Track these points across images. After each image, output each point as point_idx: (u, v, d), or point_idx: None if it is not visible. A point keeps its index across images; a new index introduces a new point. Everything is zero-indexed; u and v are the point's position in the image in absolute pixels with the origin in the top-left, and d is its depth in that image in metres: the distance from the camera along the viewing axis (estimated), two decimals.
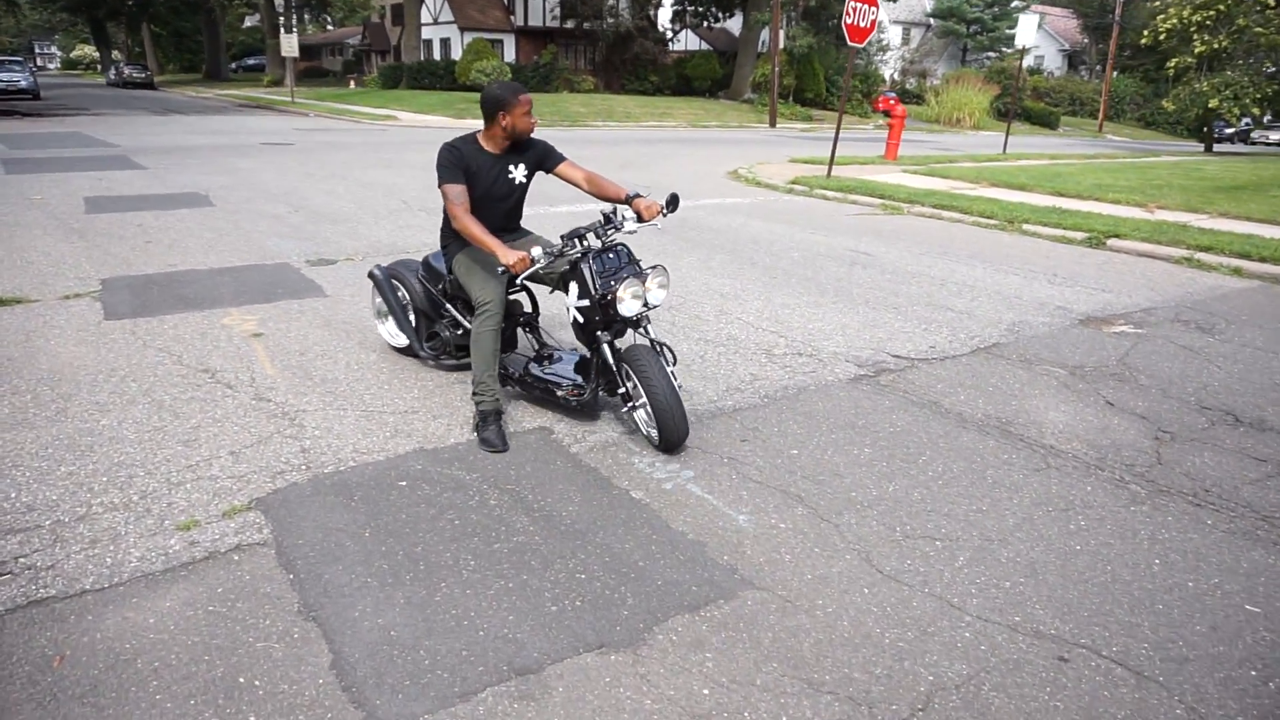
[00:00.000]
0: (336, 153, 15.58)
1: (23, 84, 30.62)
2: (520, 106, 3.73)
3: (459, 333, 4.28)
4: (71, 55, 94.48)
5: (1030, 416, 4.30)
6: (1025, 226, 10.08)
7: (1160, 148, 32.98)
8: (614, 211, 3.83)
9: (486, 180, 3.82)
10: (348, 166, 13.55)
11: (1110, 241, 9.15)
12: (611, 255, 3.70)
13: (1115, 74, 51.49)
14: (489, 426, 3.71)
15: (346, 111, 28.70)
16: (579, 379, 3.91)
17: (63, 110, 26.03)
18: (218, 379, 4.36)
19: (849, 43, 12.73)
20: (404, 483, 3.34)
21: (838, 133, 14.02)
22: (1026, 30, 20.27)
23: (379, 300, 4.73)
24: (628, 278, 3.58)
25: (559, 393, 3.89)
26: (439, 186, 3.74)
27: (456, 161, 3.73)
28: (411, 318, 4.50)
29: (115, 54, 65.95)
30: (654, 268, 3.78)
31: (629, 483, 3.42)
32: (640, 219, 3.78)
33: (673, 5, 44.94)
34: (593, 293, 3.59)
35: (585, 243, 3.71)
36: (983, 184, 13.88)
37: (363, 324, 5.25)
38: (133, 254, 7.06)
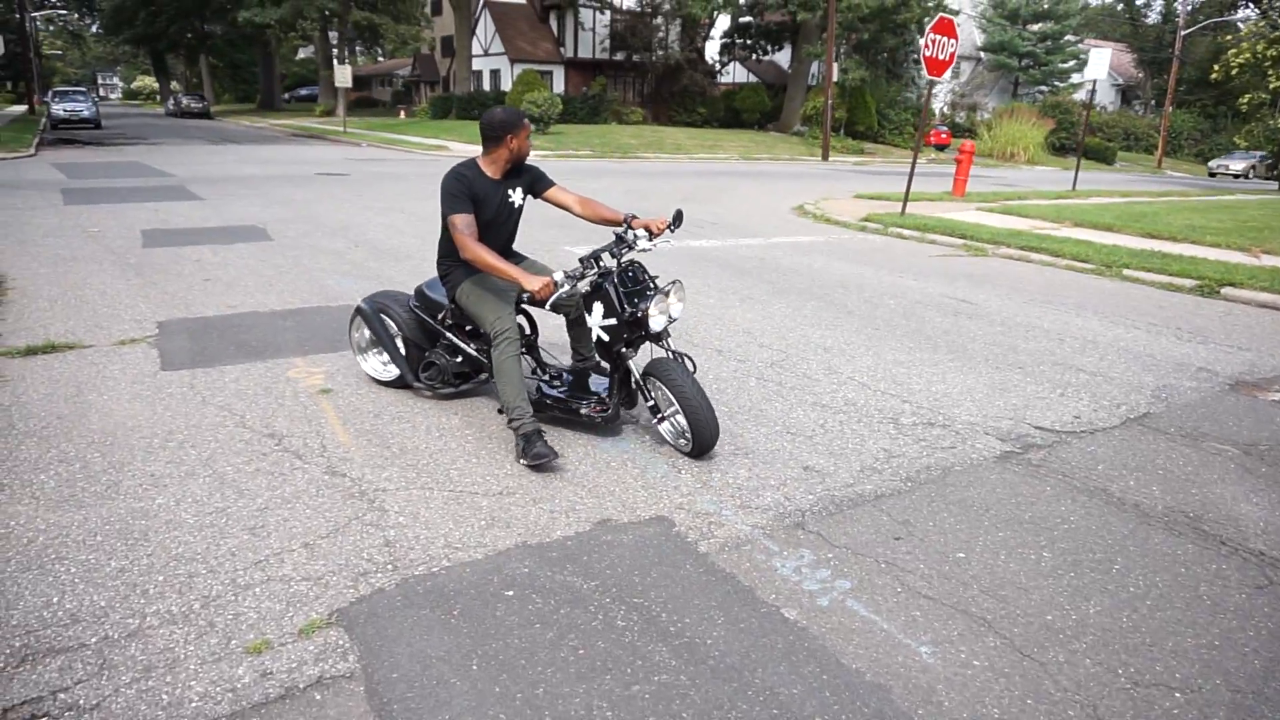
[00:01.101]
0: (392, 184, 15.33)
1: (86, 113, 31.20)
2: (525, 129, 3.80)
3: (457, 360, 4.29)
4: (132, 86, 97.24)
5: (1221, 510, 3.65)
6: (1125, 271, 9.40)
7: (1228, 185, 31.81)
8: (625, 231, 3.92)
9: (492, 206, 3.86)
10: (404, 198, 13.24)
11: (1225, 290, 8.43)
12: (630, 274, 3.83)
13: (1172, 109, 50.33)
14: (535, 444, 3.67)
15: (398, 142, 28.73)
16: (601, 395, 4.01)
17: (122, 139, 26.34)
18: (285, 446, 3.87)
19: (928, 76, 12.17)
20: (510, 592, 2.79)
21: (913, 169, 13.45)
22: (1098, 64, 19.59)
23: (360, 334, 4.70)
24: (655, 295, 3.72)
25: (583, 411, 3.96)
26: (446, 216, 3.72)
27: (464, 190, 3.74)
28: (401, 348, 4.43)
29: (174, 84, 67.61)
30: (673, 283, 3.88)
31: (776, 595, 2.84)
32: (651, 236, 3.90)
33: (721, 38, 44.82)
34: (622, 312, 3.70)
35: (601, 264, 3.79)
36: (1065, 224, 13.18)
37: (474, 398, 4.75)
38: (190, 293, 6.68)
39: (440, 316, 4.22)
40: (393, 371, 4.54)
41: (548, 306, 3.68)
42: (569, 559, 3.01)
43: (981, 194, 18.02)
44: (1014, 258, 10.38)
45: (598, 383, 4.15)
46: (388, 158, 22.35)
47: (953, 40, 12.07)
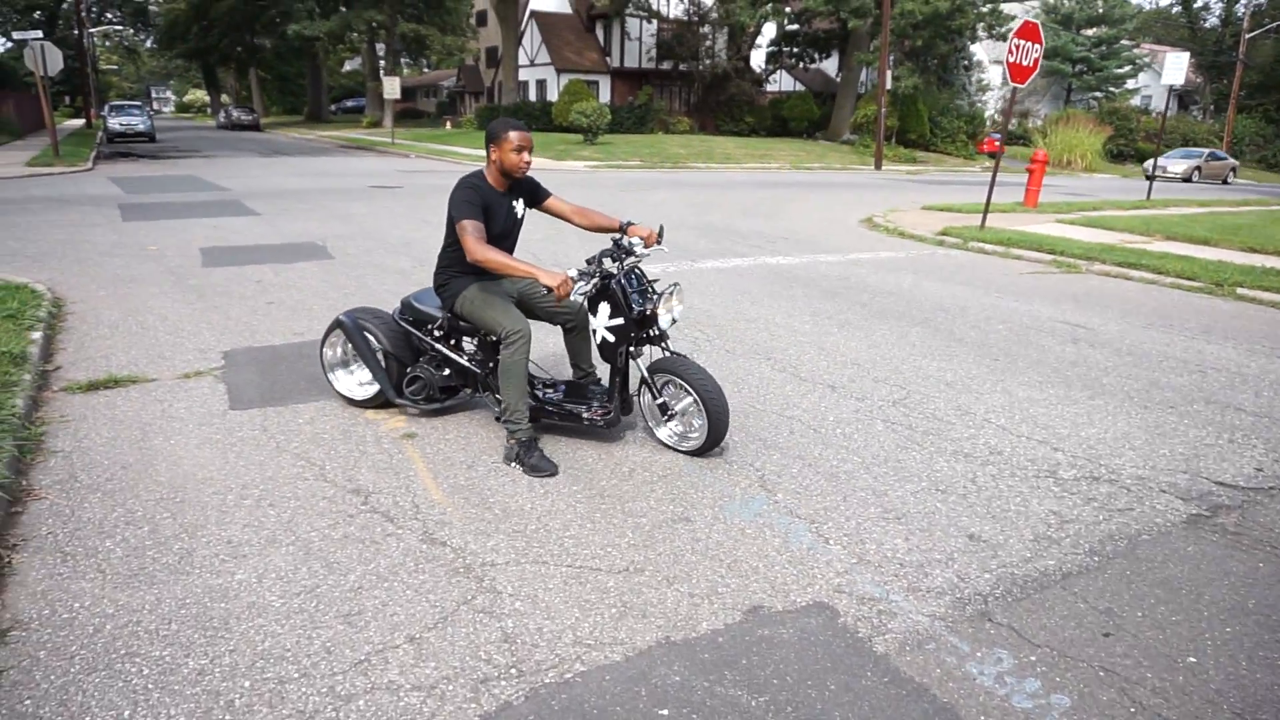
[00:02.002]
0: (446, 197, 14.98)
1: (141, 127, 31.58)
2: (509, 142, 3.73)
3: (444, 373, 4.22)
4: (184, 99, 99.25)
5: None
6: (1240, 291, 8.68)
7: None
8: (621, 238, 3.97)
9: (500, 218, 3.87)
10: None
11: None
12: (634, 276, 3.89)
13: (1220, 116, 48.65)
14: (533, 453, 3.76)
15: (446, 153, 28.59)
16: (603, 399, 4.01)
17: (176, 152, 26.51)
18: (373, 505, 3.42)
19: (1010, 82, 11.53)
20: (665, 711, 2.29)
21: (993, 181, 12.80)
22: (1175, 69, 18.64)
23: (333, 351, 4.54)
24: (662, 295, 3.83)
25: (585, 415, 3.97)
26: (458, 221, 3.70)
27: (477, 199, 3.75)
28: (383, 364, 4.28)
29: (224, 97, 68.69)
30: (674, 285, 3.93)
31: (985, 717, 2.31)
32: (645, 245, 3.97)
33: (768, 46, 44.26)
34: (629, 310, 3.78)
35: (603, 267, 3.84)
36: (1156, 237, 12.43)
37: (547, 426, 4.29)
38: (254, 318, 6.31)
39: (429, 328, 4.16)
40: (369, 390, 4.40)
41: (574, 296, 3.69)
42: (725, 663, 2.51)
43: (1055, 204, 17.26)
44: (1112, 274, 9.71)
45: (594, 390, 4.12)
46: (438, 169, 22.14)
47: (1038, 45, 11.43)
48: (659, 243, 4.04)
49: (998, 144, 40.30)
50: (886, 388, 5.07)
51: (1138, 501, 3.70)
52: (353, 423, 4.31)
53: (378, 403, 4.40)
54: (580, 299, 3.83)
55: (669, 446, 4.00)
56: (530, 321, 3.97)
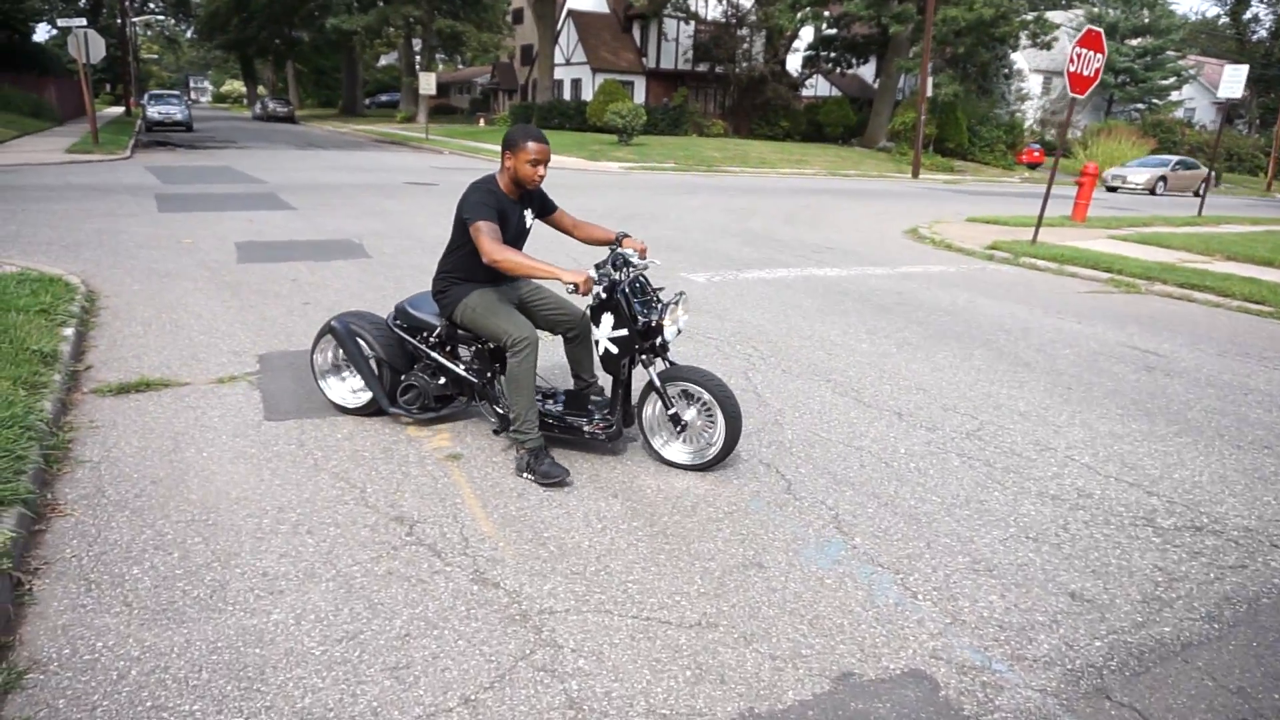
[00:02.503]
0: None
1: (179, 116, 31.75)
2: (525, 153, 3.63)
3: (439, 381, 4.10)
4: (221, 90, 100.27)
5: None
6: None
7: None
8: (616, 248, 3.91)
9: (512, 225, 3.76)
10: None
11: None
12: (638, 286, 3.79)
13: (1265, 131, 47.43)
14: (543, 460, 3.66)
15: (481, 150, 28.46)
16: (604, 412, 3.92)
17: (213, 143, 26.59)
18: (419, 537, 3.17)
19: (1070, 93, 11.13)
20: None
21: (1047, 195, 12.36)
22: (1233, 82, 18.08)
23: (324, 356, 4.37)
24: (667, 306, 3.73)
25: (587, 428, 3.87)
26: (472, 223, 3.56)
27: (492, 202, 3.65)
28: (375, 371, 4.15)
29: (260, 89, 69.26)
30: (679, 294, 3.84)
31: None
32: (641, 257, 3.89)
33: (805, 50, 43.81)
34: (634, 321, 3.66)
35: (610, 274, 3.75)
36: (1217, 257, 11.97)
37: (595, 448, 4.01)
38: (290, 319, 6.11)
39: (424, 335, 4.07)
40: (363, 398, 4.25)
41: (589, 298, 3.66)
42: None
43: (1102, 219, 16.77)
44: (1174, 296, 9.29)
45: (595, 401, 4.02)
46: (472, 167, 21.98)
47: (1099, 54, 11.01)
48: (644, 256, 3.94)
49: (1036, 154, 39.37)
50: (957, 417, 4.76)
51: (1249, 557, 3.37)
52: (394, 440, 4.06)
53: (370, 411, 4.26)
54: (600, 287, 3.68)
55: (677, 465, 3.84)
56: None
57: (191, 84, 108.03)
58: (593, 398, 4.05)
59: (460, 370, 4.04)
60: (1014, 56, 45.40)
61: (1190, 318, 8.06)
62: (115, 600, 2.68)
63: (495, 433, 3.99)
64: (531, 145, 3.62)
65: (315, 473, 3.67)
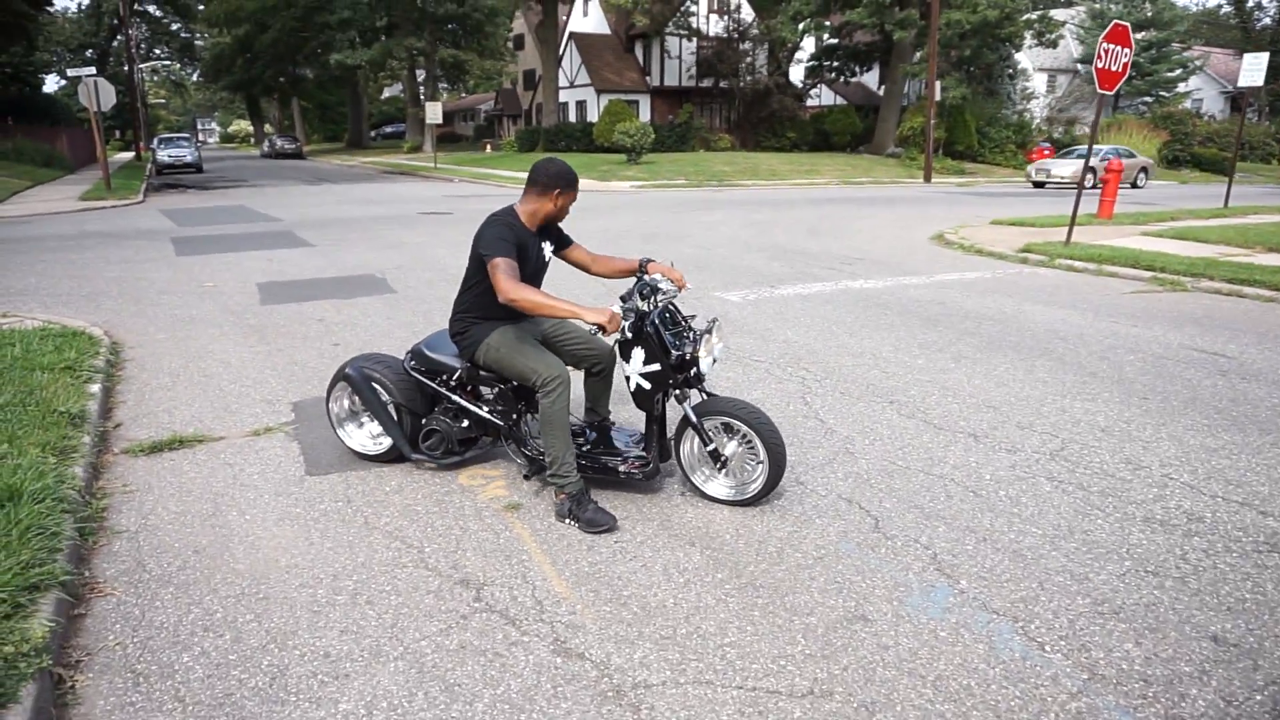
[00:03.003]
0: None
1: (189, 158, 31.95)
2: (575, 191, 3.61)
3: (462, 424, 3.89)
4: (229, 129, 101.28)
5: None
6: None
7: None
8: (644, 276, 3.69)
9: (531, 259, 3.58)
10: None
11: None
12: (668, 317, 3.56)
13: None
14: (587, 506, 3.45)
15: (490, 176, 28.42)
16: (639, 450, 3.67)
17: (224, 182, 26.64)
18: (488, 602, 2.91)
19: (1099, 90, 10.86)
20: None
21: (1079, 194, 12.08)
22: (1254, 70, 17.79)
23: (339, 405, 4.18)
24: (702, 335, 3.50)
25: (622, 468, 3.64)
26: (489, 259, 3.35)
27: (511, 237, 3.46)
28: (394, 417, 3.95)
29: (267, 127, 69.83)
30: (713, 321, 3.65)
31: None
32: (674, 284, 3.62)
33: (808, 61, 43.74)
34: (667, 355, 3.43)
35: (637, 306, 3.50)
36: (1258, 249, 11.62)
37: (660, 492, 3.75)
38: (321, 362, 5.89)
39: (443, 378, 3.86)
40: (384, 444, 4.06)
41: (614, 340, 3.44)
42: None
43: (1128, 215, 16.43)
44: (1223, 293, 8.96)
45: (622, 436, 3.84)
46: (485, 194, 21.87)
47: (1127, 49, 10.76)
48: (678, 284, 3.67)
49: (1046, 152, 38.87)
50: (1036, 436, 4.47)
51: None
52: (446, 491, 3.82)
53: (392, 457, 4.07)
54: (613, 341, 3.45)
55: (719, 500, 3.63)
56: None
57: (199, 125, 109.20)
58: (613, 432, 3.87)
59: (484, 413, 3.83)
60: (1018, 56, 45.19)
61: (1247, 315, 7.74)
62: (167, 696, 2.43)
63: (526, 477, 3.76)
64: (576, 186, 3.61)
65: (367, 532, 3.42)
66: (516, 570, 3.12)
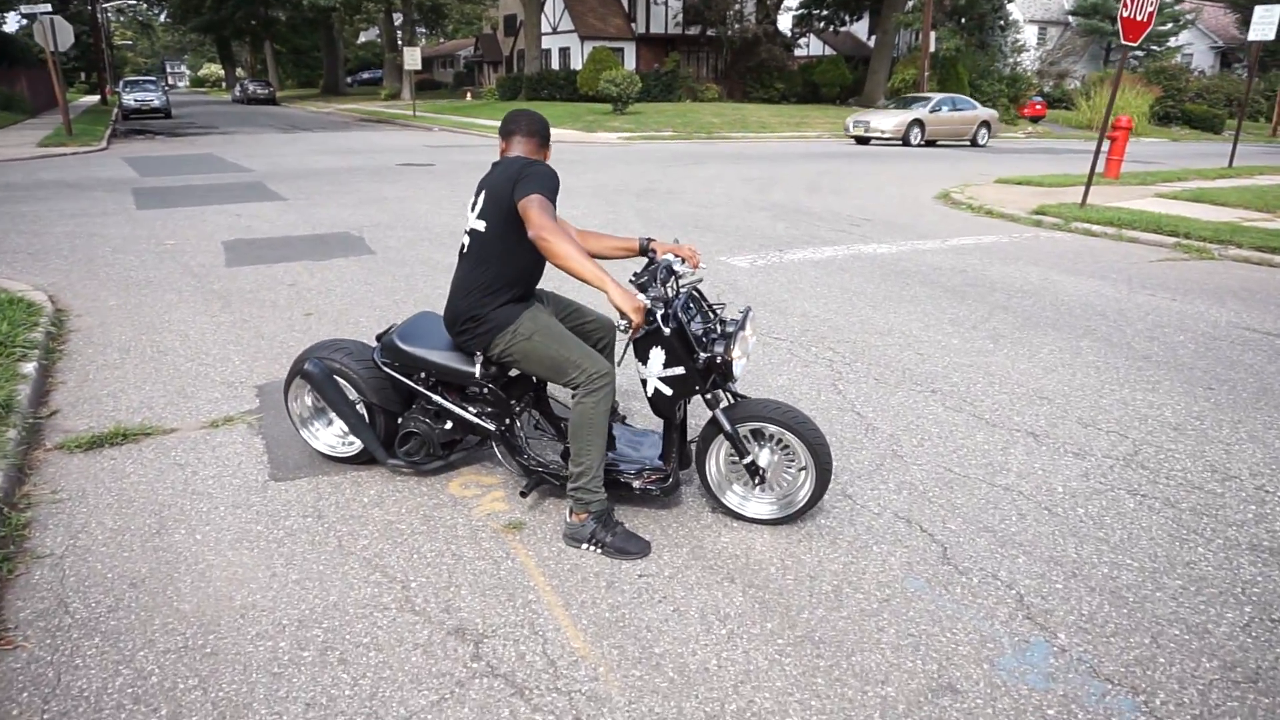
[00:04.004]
0: (484, 174, 13.85)
1: (156, 103, 30.66)
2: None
3: (445, 425, 3.28)
4: (199, 73, 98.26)
5: None
6: None
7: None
8: (654, 257, 3.14)
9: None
10: None
11: None
12: (691, 305, 3.00)
13: (1277, 72, 46.30)
14: (615, 530, 2.90)
15: (471, 125, 27.40)
16: (657, 461, 3.13)
17: (193, 129, 25.50)
18: (489, 662, 2.37)
19: (1123, 41, 10.24)
20: None
21: (1096, 154, 11.51)
22: (1265, 23, 17.11)
23: (301, 403, 3.56)
24: (735, 331, 2.92)
25: (636, 484, 3.08)
26: (527, 195, 2.71)
27: (558, 181, 2.88)
28: (365, 417, 3.36)
29: (239, 71, 67.62)
30: (745, 311, 3.06)
31: None
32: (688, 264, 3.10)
33: (797, 9, 42.55)
34: (695, 357, 2.87)
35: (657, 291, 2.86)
36: (1279, 213, 11.13)
37: (683, 507, 3.19)
38: (291, 334, 5.28)
39: (424, 375, 3.25)
40: (355, 445, 3.49)
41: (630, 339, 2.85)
42: None
43: (1135, 175, 15.89)
44: (1253, 262, 8.49)
45: (634, 440, 3.33)
46: (466, 143, 20.98)
47: None
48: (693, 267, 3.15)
49: (1039, 107, 37.70)
50: (1103, 436, 3.96)
51: None
52: (434, 503, 3.25)
53: (365, 459, 3.51)
54: (622, 330, 2.76)
55: (761, 521, 3.09)
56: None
57: (168, 69, 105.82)
58: (621, 436, 3.37)
59: (471, 415, 3.23)
60: (1010, 7, 44.25)
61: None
62: None
63: (523, 493, 3.18)
64: None
65: (341, 559, 2.86)
66: (522, 615, 2.57)
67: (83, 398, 4.25)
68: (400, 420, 3.40)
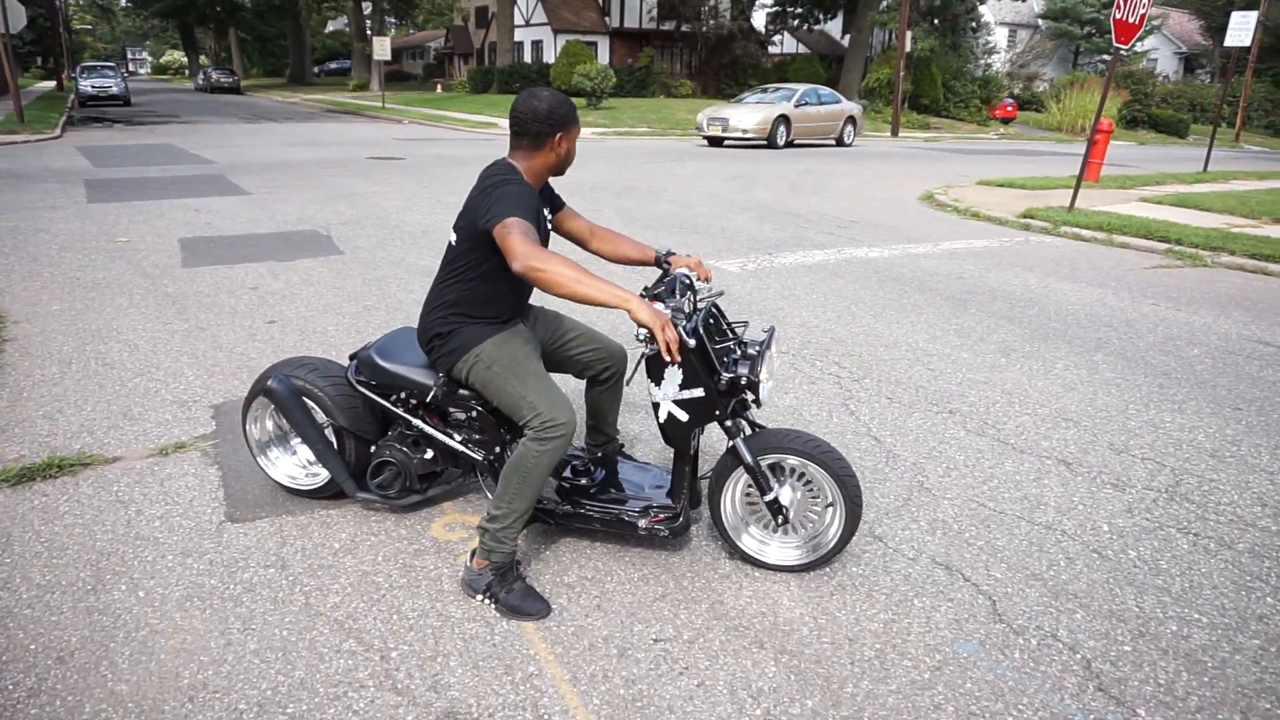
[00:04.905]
0: (457, 170, 13.44)
1: (114, 90, 29.70)
2: (578, 127, 2.62)
3: (426, 456, 2.94)
4: (161, 60, 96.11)
5: None
6: None
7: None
8: (669, 269, 2.82)
9: (540, 230, 2.58)
10: None
11: None
12: (711, 321, 2.64)
13: (1238, 78, 47.11)
14: (513, 584, 2.55)
15: (442, 118, 26.84)
16: (664, 499, 2.79)
17: (153, 118, 24.67)
18: None
19: (1114, 44, 10.05)
20: None
21: (1086, 156, 11.33)
22: (1240, 30, 17.16)
23: (260, 426, 3.17)
24: (762, 351, 2.60)
25: (642, 523, 2.72)
26: (502, 219, 2.34)
27: (532, 203, 2.48)
28: (334, 443, 2.99)
29: (203, 59, 66.12)
30: (770, 331, 2.73)
31: None
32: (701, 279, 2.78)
33: (771, 7, 42.38)
34: (717, 379, 2.52)
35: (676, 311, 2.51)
36: (1264, 220, 11.06)
37: (693, 550, 2.84)
38: (252, 345, 4.85)
39: (404, 396, 2.88)
40: (319, 476, 3.11)
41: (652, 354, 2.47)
42: None
43: (1114, 178, 15.81)
44: (1248, 269, 8.32)
45: (638, 476, 2.99)
46: (438, 137, 20.46)
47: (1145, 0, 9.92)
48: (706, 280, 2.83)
49: (1009, 109, 37.84)
50: (1140, 464, 3.67)
51: None
52: (415, 549, 2.87)
53: (331, 494, 3.11)
54: (639, 351, 2.44)
55: (785, 568, 2.75)
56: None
57: (129, 55, 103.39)
58: (622, 461, 3.09)
59: (456, 443, 2.88)
60: (981, 9, 44.48)
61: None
62: None
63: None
64: (578, 120, 2.62)
65: (309, 622, 2.47)
66: (523, 693, 2.21)
67: (14, 420, 3.80)
68: (374, 448, 3.01)
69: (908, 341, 5.29)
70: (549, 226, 2.79)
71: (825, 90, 22.44)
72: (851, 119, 22.09)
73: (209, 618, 2.48)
